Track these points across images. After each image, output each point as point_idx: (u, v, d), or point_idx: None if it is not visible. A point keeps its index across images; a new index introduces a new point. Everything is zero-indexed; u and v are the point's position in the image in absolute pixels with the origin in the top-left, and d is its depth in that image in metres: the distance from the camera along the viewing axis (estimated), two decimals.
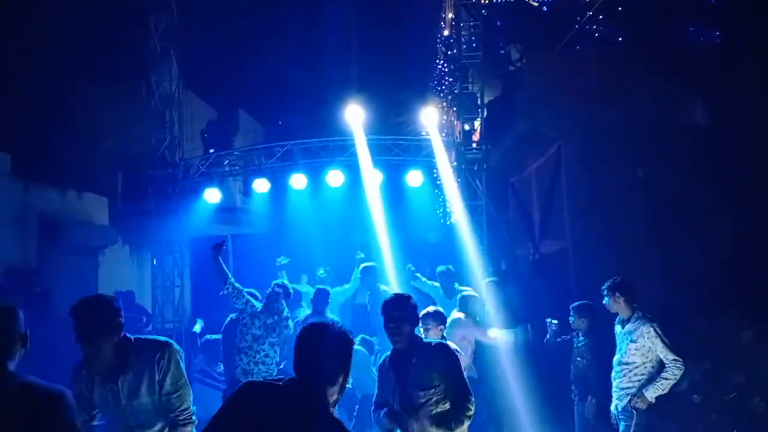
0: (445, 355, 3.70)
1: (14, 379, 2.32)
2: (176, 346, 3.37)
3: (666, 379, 4.99)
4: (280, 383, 2.40)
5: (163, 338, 3.44)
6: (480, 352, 5.94)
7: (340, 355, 2.49)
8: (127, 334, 3.29)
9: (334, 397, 2.45)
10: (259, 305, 6.15)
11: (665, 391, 5.00)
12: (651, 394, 5.01)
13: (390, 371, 3.76)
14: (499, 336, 5.96)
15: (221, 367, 7.12)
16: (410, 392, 3.63)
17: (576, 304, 5.87)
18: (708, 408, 6.72)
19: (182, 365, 3.35)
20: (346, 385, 2.54)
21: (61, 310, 3.60)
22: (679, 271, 8.05)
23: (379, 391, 3.86)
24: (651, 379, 5.05)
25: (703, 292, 7.70)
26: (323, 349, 2.42)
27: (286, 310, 6.27)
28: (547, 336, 6.18)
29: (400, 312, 3.69)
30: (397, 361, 3.73)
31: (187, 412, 3.28)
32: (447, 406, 3.60)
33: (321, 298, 6.88)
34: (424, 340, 3.95)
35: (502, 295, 6.79)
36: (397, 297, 3.84)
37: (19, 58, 9.30)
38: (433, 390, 3.59)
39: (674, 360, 4.99)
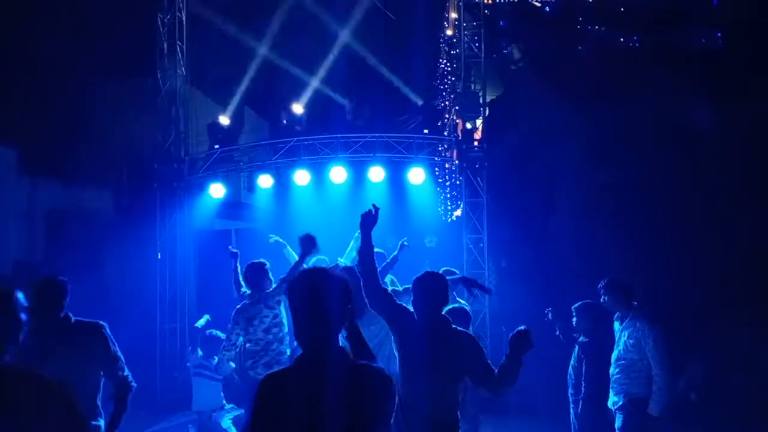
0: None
1: None
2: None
3: (660, 390, 4.99)
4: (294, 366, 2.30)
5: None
6: None
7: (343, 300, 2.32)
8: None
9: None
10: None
11: (667, 399, 5.00)
12: (656, 410, 5.00)
13: None
14: None
15: (216, 360, 7.17)
16: None
17: (577, 304, 5.72)
18: (706, 407, 6.82)
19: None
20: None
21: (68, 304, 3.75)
22: (679, 270, 8.13)
23: None
24: (647, 376, 5.11)
25: (703, 293, 7.79)
26: (327, 299, 2.25)
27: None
28: (556, 332, 6.07)
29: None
30: None
31: None
32: None
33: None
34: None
35: None
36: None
37: (26, 54, 9.41)
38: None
39: (659, 366, 4.99)
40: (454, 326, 3.84)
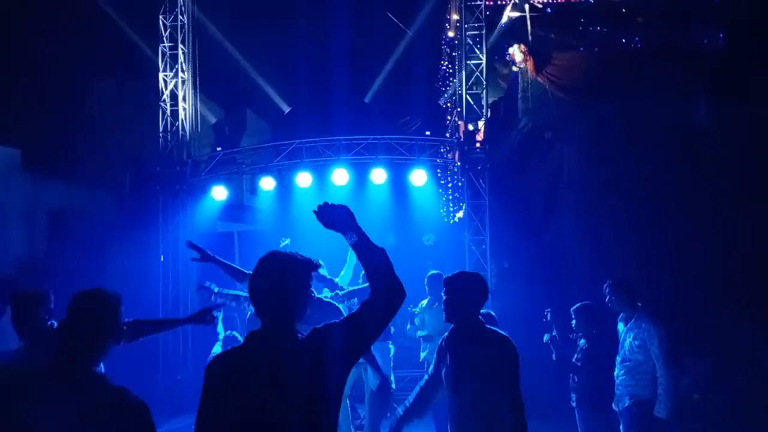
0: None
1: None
2: None
3: (666, 391, 4.91)
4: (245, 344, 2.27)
5: None
6: None
7: (303, 286, 2.31)
8: None
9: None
10: None
11: (673, 400, 4.93)
12: (664, 412, 4.92)
13: None
14: None
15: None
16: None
17: (576, 306, 5.62)
18: (708, 407, 6.79)
19: None
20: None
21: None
22: (681, 269, 8.12)
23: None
24: (653, 378, 5.08)
25: (705, 292, 7.78)
26: (286, 284, 2.25)
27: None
28: (553, 332, 6.01)
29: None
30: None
31: None
32: None
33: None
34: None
35: None
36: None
37: (30, 56, 9.45)
38: None
39: (665, 368, 4.93)
40: (488, 326, 3.64)
